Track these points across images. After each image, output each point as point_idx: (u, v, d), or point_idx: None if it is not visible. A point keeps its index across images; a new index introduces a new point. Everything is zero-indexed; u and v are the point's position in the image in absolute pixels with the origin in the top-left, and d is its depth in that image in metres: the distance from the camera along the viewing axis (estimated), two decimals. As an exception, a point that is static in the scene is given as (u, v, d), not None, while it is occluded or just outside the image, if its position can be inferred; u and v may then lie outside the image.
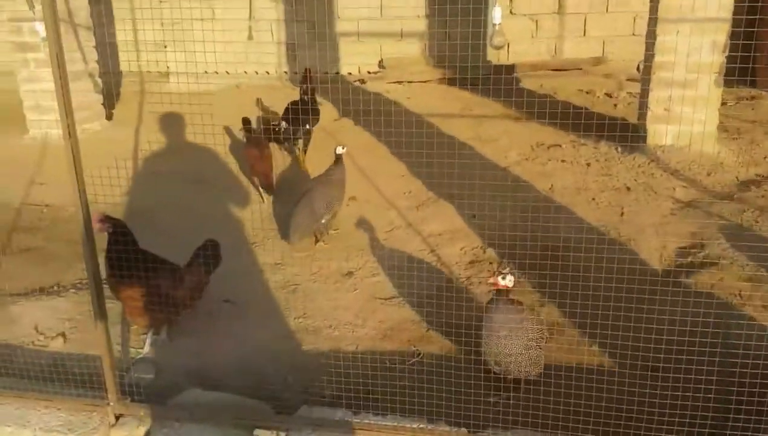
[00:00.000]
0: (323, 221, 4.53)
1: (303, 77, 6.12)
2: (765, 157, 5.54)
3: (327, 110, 7.23)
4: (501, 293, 2.92)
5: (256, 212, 5.00)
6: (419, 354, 3.33)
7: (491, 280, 2.94)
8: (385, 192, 5.32)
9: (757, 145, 5.78)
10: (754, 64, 7.04)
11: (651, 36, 5.63)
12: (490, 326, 2.91)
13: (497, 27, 4.31)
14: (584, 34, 9.12)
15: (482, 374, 3.07)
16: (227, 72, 9.09)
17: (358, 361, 3.18)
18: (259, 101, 7.67)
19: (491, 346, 2.91)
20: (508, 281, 2.92)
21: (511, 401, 2.88)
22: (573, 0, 8.99)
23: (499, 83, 7.97)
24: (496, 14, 4.28)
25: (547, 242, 4.00)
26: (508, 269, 3.09)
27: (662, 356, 2.87)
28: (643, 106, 5.87)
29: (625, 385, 2.76)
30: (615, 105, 7.47)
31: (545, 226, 4.17)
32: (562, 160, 5.77)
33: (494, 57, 9.10)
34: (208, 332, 3.64)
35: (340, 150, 4.67)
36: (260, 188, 5.37)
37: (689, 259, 4.07)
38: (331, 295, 3.97)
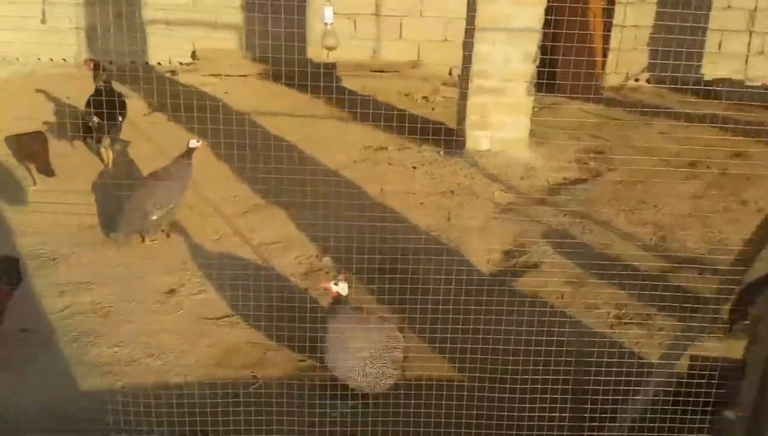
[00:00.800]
0: (153, 218, 4.11)
1: (94, 65, 5.53)
2: (570, 162, 5.98)
3: (134, 104, 6.62)
4: (339, 300, 2.79)
5: (59, 224, 4.39)
6: (257, 383, 3.06)
7: (323, 285, 2.82)
8: (208, 196, 4.94)
9: (563, 150, 6.22)
10: (556, 73, 7.61)
11: (468, 45, 5.82)
12: (329, 336, 2.77)
13: (329, 27, 4.16)
14: (400, 37, 9.30)
15: (328, 391, 2.92)
16: (17, 58, 8.07)
17: (187, 395, 2.84)
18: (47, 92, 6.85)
19: (332, 357, 2.78)
20: (341, 288, 2.79)
21: (359, 417, 2.76)
22: (390, 2, 9.13)
23: (321, 82, 7.86)
24: (327, 14, 4.13)
25: (383, 248, 3.92)
26: (342, 275, 2.96)
27: (501, 367, 2.92)
28: (461, 112, 6.07)
29: (473, 397, 2.74)
30: (433, 108, 7.68)
31: (380, 231, 4.11)
32: (389, 163, 5.78)
33: (315, 55, 8.97)
34: (2, 369, 3.09)
35: (194, 143, 4.31)
36: (33, 170, 4.93)
37: (513, 262, 4.24)
38: (152, 317, 3.57)
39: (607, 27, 9.09)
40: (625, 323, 3.59)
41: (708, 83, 8.92)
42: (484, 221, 4.79)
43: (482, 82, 5.72)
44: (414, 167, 5.72)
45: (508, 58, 5.62)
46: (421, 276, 3.91)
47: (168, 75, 8.41)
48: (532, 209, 4.98)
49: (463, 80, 6.05)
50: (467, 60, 5.82)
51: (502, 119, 5.79)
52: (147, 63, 8.92)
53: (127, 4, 8.33)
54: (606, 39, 9.14)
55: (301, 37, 8.73)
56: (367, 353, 2.75)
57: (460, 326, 3.02)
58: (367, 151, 6.09)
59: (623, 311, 3.69)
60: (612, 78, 9.42)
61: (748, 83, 9.14)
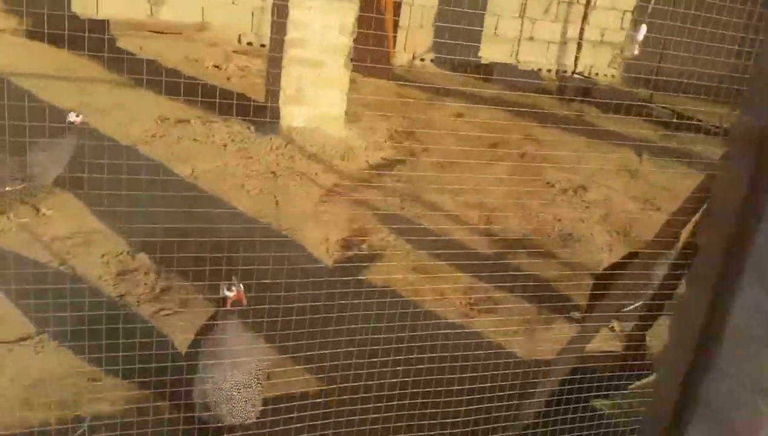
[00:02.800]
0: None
1: None
2: (385, 141, 5.85)
3: None
4: (226, 312, 2.25)
5: None
6: (82, 430, 2.39)
7: (227, 293, 2.25)
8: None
9: (374, 129, 6.07)
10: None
11: (280, 11, 5.35)
12: (209, 354, 2.23)
13: None
14: (184, -4, 8.41)
15: (180, 427, 2.38)
16: None
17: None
18: None
19: (209, 379, 2.24)
20: (232, 293, 2.27)
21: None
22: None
23: (92, 41, 6.77)
24: None
25: (207, 239, 3.37)
26: (233, 276, 2.40)
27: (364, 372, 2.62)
28: (273, 85, 5.59)
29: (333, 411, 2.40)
30: (228, 78, 7.05)
31: (200, 219, 3.56)
32: (195, 139, 5.13)
33: (80, 9, 7.73)
34: None
35: (72, 117, 3.72)
36: None
37: (354, 251, 3.97)
38: None
39: (397, 5, 9.15)
40: (479, 311, 3.52)
41: (487, 66, 9.45)
42: (314, 205, 4.44)
43: (298, 53, 5.30)
44: (225, 145, 5.14)
45: (327, 28, 5.27)
46: (256, 269, 3.45)
47: None
48: (361, 191, 4.74)
49: (273, 50, 5.57)
50: (279, 28, 5.35)
51: (319, 94, 5.44)
52: None
53: None
54: (396, 16, 9.20)
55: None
56: (247, 372, 2.28)
57: (306, 328, 2.63)
58: (165, 124, 5.34)
59: (473, 298, 3.62)
60: (401, 56, 9.53)
61: (520, 68, 9.87)
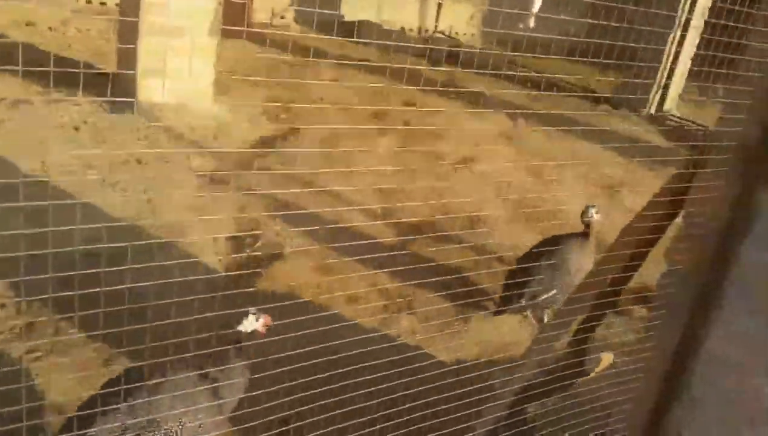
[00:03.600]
0: None
1: None
2: (261, 115, 5.38)
3: None
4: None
5: None
6: None
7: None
8: None
9: (247, 101, 5.56)
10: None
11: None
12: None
13: None
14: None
15: None
16: None
17: None
18: None
19: None
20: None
21: None
22: None
23: None
24: None
25: (64, 251, 2.79)
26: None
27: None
28: (126, 55, 4.90)
29: None
30: (69, 45, 6.16)
31: (57, 223, 2.98)
32: (41, 124, 4.38)
33: None
34: None
35: None
36: None
37: (248, 252, 3.56)
38: None
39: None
40: (396, 310, 3.28)
41: (350, 25, 9.07)
42: (193, 198, 3.94)
43: (156, 20, 4.65)
44: (76, 128, 4.43)
45: (190, -6, 4.66)
46: (134, 287, 2.94)
47: None
48: (243, 178, 4.29)
49: (125, 12, 4.87)
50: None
51: (183, 65, 4.83)
52: None
53: None
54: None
55: None
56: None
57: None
58: (1, 107, 4.52)
59: (387, 296, 3.37)
60: (259, 14, 8.91)
61: (384, 27, 9.58)
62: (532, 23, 7.56)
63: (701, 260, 1.74)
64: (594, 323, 2.41)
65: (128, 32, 4.81)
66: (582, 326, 2.52)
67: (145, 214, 3.63)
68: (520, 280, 3.20)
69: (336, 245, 3.54)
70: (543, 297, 3.27)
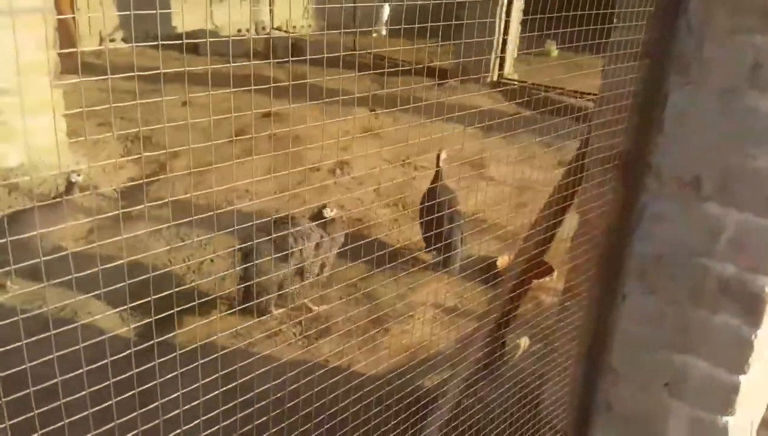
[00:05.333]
0: None
1: None
2: (122, 156, 5.18)
3: None
4: None
5: None
6: None
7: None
8: None
9: (103, 144, 5.33)
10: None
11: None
12: None
13: None
14: None
15: None
16: None
17: None
18: None
19: None
20: None
21: None
22: None
23: None
24: None
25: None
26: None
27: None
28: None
29: None
30: None
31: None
32: None
33: None
34: None
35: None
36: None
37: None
38: None
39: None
40: (315, 337, 3.38)
41: (187, 36, 8.82)
42: (74, 261, 3.76)
43: (-10, 82, 4.33)
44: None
45: (20, 48, 4.36)
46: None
47: None
48: (124, 228, 4.13)
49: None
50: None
51: (31, 123, 4.55)
52: None
53: None
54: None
55: None
56: None
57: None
58: None
59: (303, 323, 3.46)
60: (87, 41, 8.45)
61: (220, 33, 9.41)
62: (384, 31, 7.79)
63: (601, 255, 2.00)
64: (510, 314, 2.66)
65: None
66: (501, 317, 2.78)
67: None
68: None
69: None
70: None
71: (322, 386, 2.65)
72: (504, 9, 7.92)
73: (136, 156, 5.15)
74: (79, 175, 3.42)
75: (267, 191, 4.66)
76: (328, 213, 3.56)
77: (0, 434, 2.16)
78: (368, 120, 6.42)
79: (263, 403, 2.49)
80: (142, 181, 4.73)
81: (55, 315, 3.24)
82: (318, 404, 2.53)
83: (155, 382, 2.23)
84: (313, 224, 3.53)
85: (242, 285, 3.38)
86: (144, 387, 2.21)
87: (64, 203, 3.41)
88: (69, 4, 7.73)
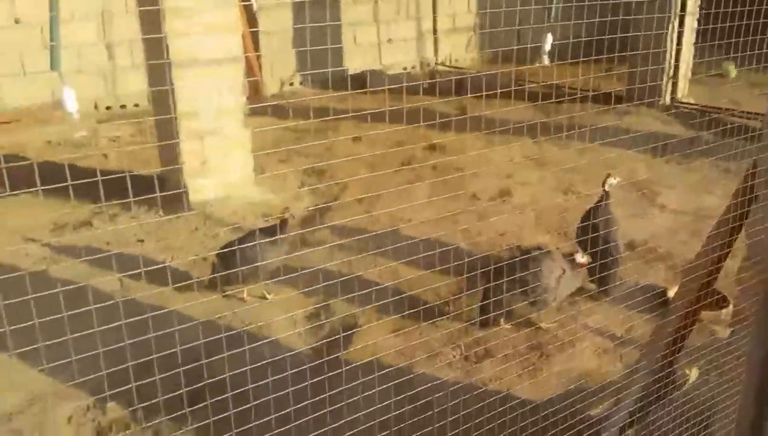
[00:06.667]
0: None
1: None
2: (300, 188, 5.64)
3: None
4: None
5: None
6: None
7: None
8: None
9: (284, 177, 5.84)
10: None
11: (160, 81, 4.97)
12: None
13: (74, 115, 3.05)
14: (24, 75, 7.65)
15: None
16: None
17: None
18: None
19: None
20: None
21: None
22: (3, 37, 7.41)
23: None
24: (69, 100, 3.01)
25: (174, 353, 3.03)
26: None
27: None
28: (170, 159, 5.21)
29: None
30: (105, 155, 6.52)
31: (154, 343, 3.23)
32: (108, 243, 4.67)
33: None
34: None
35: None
36: None
37: (326, 327, 3.78)
38: None
39: (254, 34, 8.87)
40: (476, 359, 3.47)
41: (356, 77, 9.38)
42: (265, 286, 4.18)
43: (192, 125, 4.96)
44: (141, 241, 4.73)
45: (216, 94, 4.97)
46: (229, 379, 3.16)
47: None
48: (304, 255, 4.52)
49: (160, 116, 5.18)
50: (162, 98, 4.98)
51: (225, 160, 5.14)
52: None
53: None
54: (256, 48, 8.92)
55: None
56: None
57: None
58: (65, 230, 4.84)
59: (463, 345, 3.57)
60: (269, 86, 9.28)
61: (388, 72, 9.90)
62: (546, 61, 7.81)
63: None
64: (681, 343, 2.58)
65: (166, 136, 5.11)
66: (671, 346, 2.70)
67: (227, 309, 3.88)
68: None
69: (395, 299, 3.75)
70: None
71: (480, 404, 2.75)
72: (675, 30, 7.59)
73: (311, 187, 5.60)
74: (294, 216, 3.97)
75: (427, 218, 4.86)
76: (579, 258, 3.69)
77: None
78: (532, 148, 6.44)
79: (426, 414, 2.65)
80: (319, 206, 5.13)
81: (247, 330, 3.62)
82: (476, 421, 2.65)
83: (332, 391, 2.48)
84: (560, 256, 3.71)
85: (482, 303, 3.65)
86: (316, 397, 2.46)
87: (279, 241, 3.84)
88: (253, 53, 8.59)
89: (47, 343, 2.70)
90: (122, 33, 7.93)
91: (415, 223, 4.64)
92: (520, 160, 6.13)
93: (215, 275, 3.94)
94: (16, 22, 7.42)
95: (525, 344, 3.57)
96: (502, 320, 3.71)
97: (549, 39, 8.54)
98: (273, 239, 3.87)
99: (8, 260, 4.31)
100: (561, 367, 3.46)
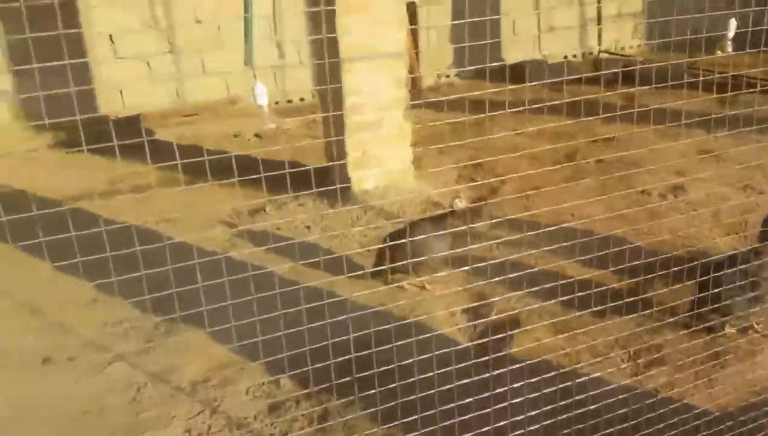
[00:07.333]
0: None
1: None
2: (457, 181, 5.67)
3: None
4: None
5: None
6: None
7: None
8: (87, 332, 3.80)
9: (441, 170, 5.87)
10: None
11: (331, 77, 5.19)
12: None
13: (265, 109, 3.33)
14: (204, 72, 8.32)
15: None
16: None
17: None
18: None
19: None
20: None
21: None
22: (184, 36, 8.11)
23: (129, 139, 6.69)
24: (260, 94, 3.30)
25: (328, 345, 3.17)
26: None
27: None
28: (334, 151, 5.44)
29: None
30: (278, 148, 6.91)
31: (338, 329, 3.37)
32: (278, 229, 4.98)
33: (106, 108, 7.68)
34: None
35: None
36: None
37: (489, 321, 3.77)
38: None
39: (414, 31, 9.00)
40: (645, 364, 3.32)
41: (515, 67, 9.21)
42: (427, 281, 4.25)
43: (358, 118, 5.14)
44: (308, 227, 4.99)
45: (381, 87, 5.11)
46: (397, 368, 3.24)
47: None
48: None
49: (326, 111, 5.42)
50: (331, 94, 5.19)
51: (385, 152, 5.28)
52: None
53: None
54: (415, 42, 9.06)
55: (88, 93, 7.44)
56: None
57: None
58: (241, 217, 5.22)
59: (633, 350, 3.41)
60: (425, 79, 9.37)
61: (549, 62, 9.63)
62: (729, 48, 7.24)
63: None
64: None
65: (333, 130, 5.33)
66: None
67: (385, 296, 3.99)
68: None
69: (562, 298, 3.64)
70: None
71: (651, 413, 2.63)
72: None
73: (473, 183, 5.59)
74: (462, 201, 3.91)
75: (593, 215, 4.68)
76: None
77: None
78: (707, 143, 6.00)
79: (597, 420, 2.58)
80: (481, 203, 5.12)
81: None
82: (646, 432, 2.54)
83: (496, 390, 2.49)
84: None
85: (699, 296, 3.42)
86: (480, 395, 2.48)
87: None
88: (412, 46, 8.72)
89: (236, 323, 2.95)
90: (291, 32, 8.39)
91: (581, 220, 4.50)
92: (694, 156, 5.73)
93: (383, 264, 4.02)
94: (198, 22, 8.08)
95: (703, 352, 3.34)
96: (727, 326, 3.47)
97: (733, 25, 7.87)
98: (444, 231, 3.88)
99: (197, 244, 4.71)
100: (741, 378, 3.22)
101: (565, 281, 3.53)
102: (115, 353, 3.63)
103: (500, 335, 3.63)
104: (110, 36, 7.76)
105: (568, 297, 3.48)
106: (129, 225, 4.22)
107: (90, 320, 3.97)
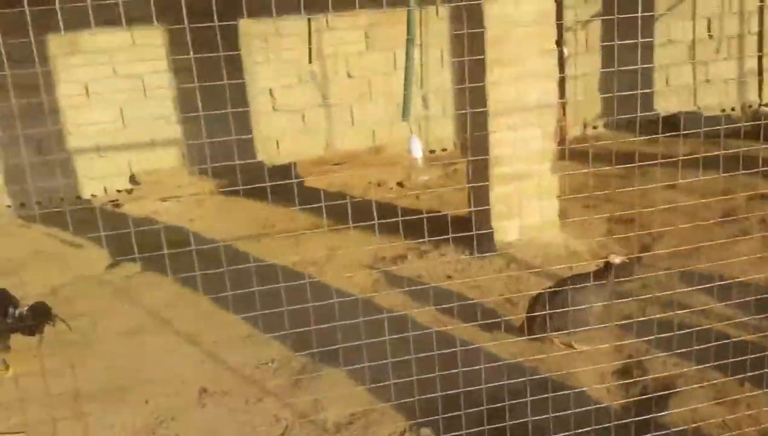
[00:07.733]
0: None
1: None
2: (605, 236, 5.46)
3: (89, 257, 5.67)
4: None
5: None
6: None
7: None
8: (240, 367, 4.02)
9: (590, 224, 5.69)
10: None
11: (477, 129, 5.24)
12: None
13: (419, 161, 3.48)
14: (353, 123, 8.70)
15: None
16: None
17: None
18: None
19: None
20: None
21: None
22: (336, 89, 8.55)
23: (283, 187, 7.08)
24: (415, 147, 3.47)
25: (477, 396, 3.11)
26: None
27: None
28: (479, 201, 5.43)
29: None
30: (417, 196, 7.04)
31: (473, 379, 3.31)
32: (419, 278, 5.03)
33: (265, 157, 8.21)
34: None
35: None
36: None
37: (639, 388, 3.56)
38: None
39: (561, 79, 8.90)
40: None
41: (668, 119, 8.81)
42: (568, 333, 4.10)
43: (503, 170, 5.13)
44: (449, 277, 5.00)
45: (528, 139, 5.09)
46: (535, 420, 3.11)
47: (110, 207, 7.39)
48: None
49: (472, 162, 5.47)
50: (477, 144, 5.24)
51: (531, 204, 5.21)
52: (78, 197, 7.83)
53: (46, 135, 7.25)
54: (562, 92, 8.94)
55: (248, 142, 8.00)
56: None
57: None
58: (385, 263, 5.33)
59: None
60: (571, 130, 9.19)
61: (705, 114, 9.13)
62: None
63: None
64: None
65: (476, 179, 5.34)
66: None
67: (529, 351, 3.89)
68: None
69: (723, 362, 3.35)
70: None
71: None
72: None
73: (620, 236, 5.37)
74: (617, 256, 3.82)
75: (758, 276, 4.32)
76: None
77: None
78: None
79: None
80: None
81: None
82: None
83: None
84: None
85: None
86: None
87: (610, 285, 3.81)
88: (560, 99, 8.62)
89: (370, 363, 3.01)
90: (435, 82, 8.61)
91: (743, 279, 4.17)
92: None
93: (535, 316, 3.92)
94: (349, 76, 8.50)
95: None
96: None
97: None
98: (601, 283, 3.77)
99: (341, 286, 4.86)
100: None
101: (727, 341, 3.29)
102: (266, 388, 3.79)
103: (648, 396, 3.42)
104: (270, 90, 8.32)
105: (730, 361, 3.23)
106: (275, 264, 4.47)
107: (243, 354, 4.18)
